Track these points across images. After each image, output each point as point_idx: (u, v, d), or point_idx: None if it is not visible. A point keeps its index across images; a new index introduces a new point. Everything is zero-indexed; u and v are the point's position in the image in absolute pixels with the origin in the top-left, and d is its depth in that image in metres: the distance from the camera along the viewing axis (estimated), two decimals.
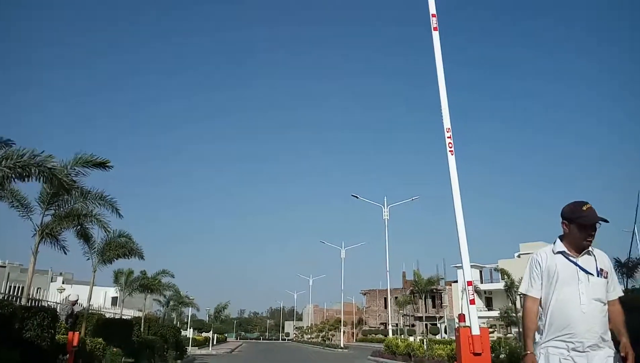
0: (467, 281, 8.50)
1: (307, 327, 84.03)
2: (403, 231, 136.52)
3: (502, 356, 13.61)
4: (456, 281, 57.48)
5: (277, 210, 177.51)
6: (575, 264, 3.29)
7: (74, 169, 9.30)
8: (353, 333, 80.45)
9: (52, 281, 49.37)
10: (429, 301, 64.50)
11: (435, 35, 9.83)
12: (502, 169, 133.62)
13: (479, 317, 9.05)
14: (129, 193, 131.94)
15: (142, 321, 19.35)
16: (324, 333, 62.23)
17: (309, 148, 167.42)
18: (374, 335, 67.65)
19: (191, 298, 36.53)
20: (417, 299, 51.63)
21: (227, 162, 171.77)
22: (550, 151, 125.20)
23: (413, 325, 62.12)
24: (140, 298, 23.65)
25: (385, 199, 33.40)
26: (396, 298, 58.01)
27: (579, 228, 3.28)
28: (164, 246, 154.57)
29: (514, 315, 40.61)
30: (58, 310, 12.02)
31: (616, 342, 3.25)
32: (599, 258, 3.34)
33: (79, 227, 12.29)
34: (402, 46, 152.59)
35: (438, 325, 58.61)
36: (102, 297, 37.46)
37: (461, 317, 9.32)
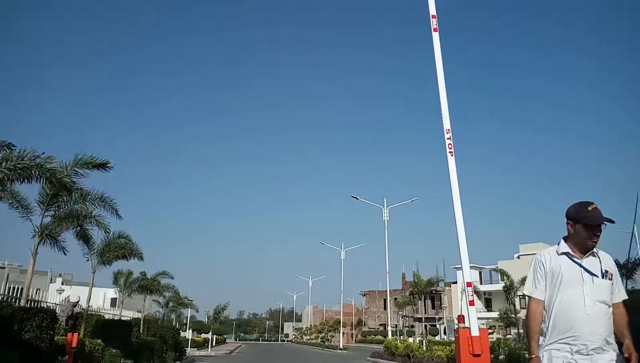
0: (467, 283, 8.50)
1: (307, 328, 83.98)
2: (403, 232, 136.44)
3: (501, 357, 13.62)
4: (456, 282, 57.48)
5: (276, 211, 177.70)
6: (580, 265, 3.24)
7: (74, 170, 9.29)
8: (352, 334, 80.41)
9: (51, 282, 49.34)
10: (429, 302, 64.47)
11: (436, 36, 9.83)
12: (502, 170, 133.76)
13: (479, 318, 9.06)
14: (128, 193, 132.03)
15: (141, 322, 19.34)
16: (323, 334, 62.18)
17: (309, 148, 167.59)
18: (373, 336, 67.62)
19: (190, 299, 36.57)
20: (416, 300, 51.57)
21: (227, 162, 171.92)
22: (550, 151, 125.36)
23: (412, 326, 62.08)
24: (140, 299, 23.64)
25: (385, 201, 33.44)
26: (395, 299, 57.98)
27: (584, 229, 3.23)
28: (164, 246, 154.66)
29: (513, 316, 40.57)
30: (58, 311, 12.03)
31: (619, 344, 3.20)
32: (603, 259, 3.29)
33: (78, 228, 12.29)
34: (402, 46, 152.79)
35: (437, 326, 58.61)
36: (101, 298, 37.42)
37: (460, 318, 9.34)
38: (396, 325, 56.18)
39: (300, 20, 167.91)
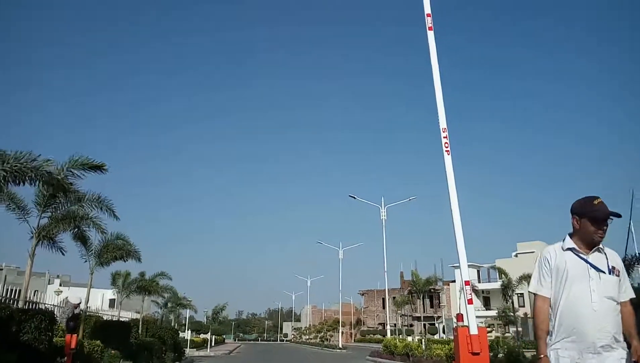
0: (465, 281, 8.52)
1: (306, 327, 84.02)
2: (401, 231, 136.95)
3: (500, 355, 13.64)
4: (454, 281, 57.54)
5: (275, 211, 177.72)
6: (586, 261, 3.15)
7: (70, 171, 9.27)
8: (351, 333, 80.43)
9: (49, 284, 49.22)
10: (427, 301, 64.57)
11: (431, 35, 9.85)
12: (500, 169, 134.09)
13: (477, 317, 9.08)
14: (128, 193, 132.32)
15: (140, 323, 19.33)
16: (322, 333, 62.21)
17: (308, 148, 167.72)
18: (372, 336, 67.66)
19: (189, 299, 36.54)
20: (415, 299, 51.67)
21: (227, 162, 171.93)
22: (550, 151, 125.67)
23: (411, 325, 62.16)
24: (138, 300, 23.61)
25: (382, 200, 33.45)
26: (394, 298, 58.04)
27: (590, 223, 3.14)
28: (163, 246, 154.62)
29: (511, 314, 40.68)
30: (56, 312, 12.00)
31: (627, 345, 3.10)
32: (610, 256, 3.20)
33: (76, 230, 12.27)
34: (402, 46, 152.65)
35: (436, 324, 58.66)
36: (99, 299, 37.40)
37: (459, 317, 9.35)
38: (395, 324, 56.26)
39: (300, 20, 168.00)
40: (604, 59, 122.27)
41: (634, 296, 3.27)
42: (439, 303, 64.70)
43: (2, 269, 46.85)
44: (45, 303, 13.83)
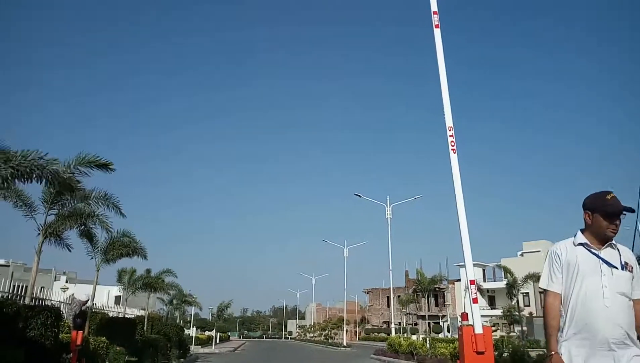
0: (470, 280, 8.51)
1: (310, 325, 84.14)
2: (406, 230, 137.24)
3: (505, 354, 13.61)
4: (459, 280, 57.43)
5: (279, 210, 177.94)
6: (598, 256, 3.09)
7: (77, 168, 9.32)
8: (356, 331, 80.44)
9: (55, 280, 49.55)
10: (432, 300, 64.47)
11: (437, 32, 9.83)
12: (503, 169, 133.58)
13: (482, 316, 9.05)
14: (130, 193, 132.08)
15: (146, 320, 19.41)
16: (326, 331, 62.27)
17: (309, 147, 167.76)
18: (376, 334, 67.63)
19: (194, 297, 36.60)
20: (419, 298, 51.45)
21: (228, 162, 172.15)
22: (551, 151, 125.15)
23: (416, 324, 62.10)
24: (144, 297, 23.70)
25: (387, 198, 33.46)
26: (399, 296, 57.95)
27: (603, 217, 3.09)
28: (166, 245, 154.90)
29: (516, 313, 40.53)
30: (62, 309, 12.07)
31: None
32: (623, 252, 3.15)
33: (82, 227, 12.33)
34: (402, 46, 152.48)
35: (441, 323, 58.55)
36: (105, 296, 37.50)
37: (464, 316, 9.34)
38: (399, 323, 56.20)
39: (300, 20, 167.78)
40: (604, 59, 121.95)
41: None
42: (444, 302, 64.61)
43: (9, 265, 47.20)
44: (51, 300, 13.91)
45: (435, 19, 9.89)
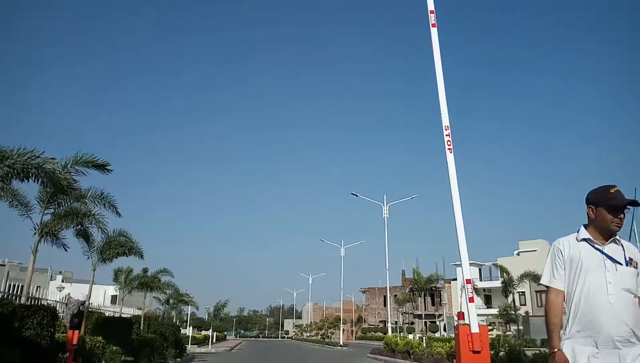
0: (466, 279, 8.53)
1: (307, 324, 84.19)
2: (403, 229, 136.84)
3: (501, 353, 13.64)
4: (455, 279, 57.57)
5: (276, 209, 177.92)
6: (602, 252, 3.02)
7: (74, 168, 9.31)
8: (352, 331, 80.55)
9: (51, 280, 49.38)
10: (428, 299, 64.57)
11: (434, 31, 9.84)
12: (500, 169, 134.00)
13: (478, 315, 9.08)
14: (128, 191, 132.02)
15: (142, 319, 19.37)
16: (323, 331, 62.37)
17: (307, 147, 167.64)
18: (373, 333, 67.73)
19: (190, 296, 36.58)
20: (416, 297, 51.62)
21: (225, 161, 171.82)
22: (548, 150, 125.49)
23: (412, 323, 62.20)
24: (140, 296, 23.66)
25: (384, 198, 33.47)
26: (395, 296, 58.05)
27: (607, 211, 3.02)
28: (163, 245, 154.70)
29: (513, 312, 40.65)
30: (58, 308, 12.04)
31: None
32: (627, 247, 3.08)
33: (79, 226, 12.30)
34: (402, 46, 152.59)
35: (437, 322, 58.67)
36: (101, 295, 37.50)
37: (460, 315, 9.38)
38: (396, 322, 56.26)
39: (300, 20, 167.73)
40: (604, 59, 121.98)
41: None
42: (440, 301, 64.74)
43: (4, 265, 47.01)
44: (47, 299, 13.88)
45: (432, 18, 9.91)
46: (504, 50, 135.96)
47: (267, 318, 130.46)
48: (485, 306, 56.98)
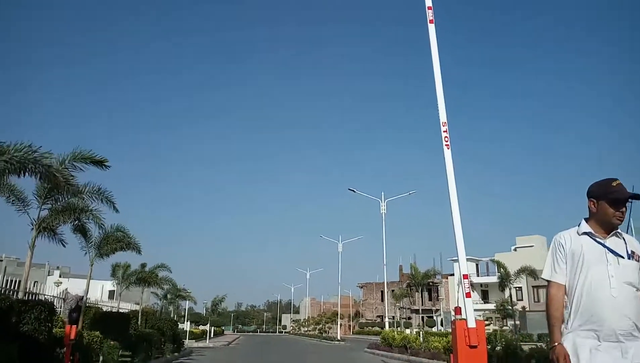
0: (463, 275, 8.55)
1: (304, 319, 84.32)
2: (400, 225, 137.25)
3: (498, 348, 13.68)
4: (453, 275, 57.76)
5: (274, 206, 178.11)
6: (603, 245, 2.99)
7: (72, 164, 9.29)
8: (350, 326, 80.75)
9: (49, 275, 49.30)
10: (426, 294, 64.73)
11: (431, 28, 9.82)
12: (498, 165, 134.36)
13: (475, 310, 9.12)
14: (127, 188, 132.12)
15: (140, 314, 19.39)
16: (321, 325, 62.49)
17: (307, 145, 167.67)
18: (370, 328, 67.95)
19: (188, 291, 36.61)
20: (413, 292, 51.74)
21: (226, 159, 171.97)
22: (546, 148, 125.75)
23: (409, 318, 62.37)
24: (138, 291, 23.68)
25: (382, 194, 33.50)
26: (393, 291, 58.19)
27: (609, 205, 2.99)
28: (161, 240, 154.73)
29: (509, 307, 40.81)
30: (56, 303, 12.05)
31: None
32: (629, 241, 3.05)
33: (76, 222, 12.29)
34: (402, 46, 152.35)
35: (434, 317, 58.90)
36: (99, 291, 37.51)
37: (457, 310, 9.41)
38: (393, 317, 56.45)
39: (300, 20, 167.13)
40: (604, 59, 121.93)
41: None
42: (438, 296, 64.93)
43: (2, 260, 46.91)
44: (45, 294, 13.88)
45: (429, 14, 9.89)
46: (504, 50, 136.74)
47: (265, 313, 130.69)
48: (482, 302, 57.16)
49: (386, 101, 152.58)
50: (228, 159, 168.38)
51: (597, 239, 3.03)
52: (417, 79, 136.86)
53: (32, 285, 13.57)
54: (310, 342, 46.40)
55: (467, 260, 9.14)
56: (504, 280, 37.65)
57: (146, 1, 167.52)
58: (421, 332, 23.72)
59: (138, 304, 23.99)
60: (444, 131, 9.02)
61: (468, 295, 8.39)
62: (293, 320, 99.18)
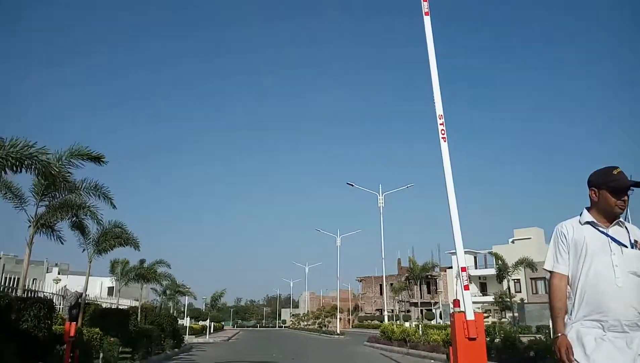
0: (461, 267, 8.57)
1: (304, 314, 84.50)
2: (398, 218, 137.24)
3: (496, 340, 13.75)
4: (451, 267, 57.92)
5: (272, 200, 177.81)
6: (606, 235, 2.95)
7: (69, 160, 9.28)
8: (349, 319, 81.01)
9: (47, 272, 49.40)
10: (424, 287, 64.94)
11: (427, 20, 9.79)
12: (495, 157, 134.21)
13: (474, 302, 9.14)
14: (123, 186, 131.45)
15: (139, 310, 19.43)
16: (320, 320, 62.61)
17: (305, 137, 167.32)
18: (369, 322, 68.15)
19: (187, 287, 36.67)
20: (412, 285, 51.92)
21: (221, 153, 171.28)
22: (543, 138, 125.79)
23: (408, 311, 62.60)
24: (137, 287, 23.71)
25: (380, 187, 33.54)
26: (391, 284, 58.40)
27: (610, 194, 2.95)
28: (160, 236, 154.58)
29: (508, 300, 41.01)
30: (55, 301, 12.05)
31: None
32: (631, 230, 3.01)
33: (74, 218, 12.28)
34: (400, 38, 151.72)
35: (433, 310, 59.08)
36: (98, 287, 37.52)
37: (456, 303, 9.39)
38: (392, 310, 56.65)
39: (297, 12, 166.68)
40: (605, 48, 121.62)
41: None
42: (436, 289, 65.11)
43: (0, 258, 46.93)
44: (44, 292, 13.88)
45: (424, 6, 9.85)
46: (502, 40, 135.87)
47: (264, 308, 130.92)
48: (481, 294, 57.41)
49: (383, 91, 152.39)
50: (221, 150, 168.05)
51: (600, 228, 3.00)
52: (415, 69, 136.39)
53: (30, 282, 13.54)
54: (310, 336, 46.55)
55: (465, 252, 9.16)
56: (502, 272, 37.82)
57: (146, 1, 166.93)
58: (420, 325, 23.84)
59: (137, 300, 24.04)
60: (440, 124, 9.01)
61: (466, 288, 8.42)
62: (292, 315, 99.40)
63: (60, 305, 13.08)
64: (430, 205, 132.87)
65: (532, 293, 51.99)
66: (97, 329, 11.93)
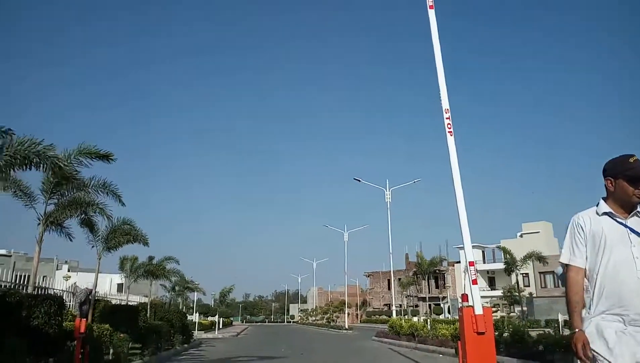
0: (469, 262, 8.55)
1: (312, 309, 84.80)
2: (406, 213, 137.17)
3: (505, 335, 13.70)
4: (459, 262, 57.79)
5: (280, 195, 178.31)
6: (625, 226, 2.84)
7: (78, 159, 9.33)
8: (357, 314, 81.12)
9: (57, 269, 49.79)
10: (432, 282, 64.90)
11: (431, 13, 9.73)
12: (503, 151, 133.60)
13: (482, 297, 9.12)
14: (131, 183, 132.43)
15: (148, 307, 19.55)
16: (328, 315, 62.85)
17: (312, 132, 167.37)
18: (378, 316, 68.19)
19: (196, 283, 36.87)
20: (420, 280, 51.95)
21: (229, 149, 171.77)
22: (552, 132, 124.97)
23: (417, 306, 62.60)
24: (146, 284, 23.84)
25: (387, 182, 33.51)
26: (399, 279, 58.40)
27: (627, 182, 2.82)
28: (169, 232, 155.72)
29: (517, 294, 40.87)
30: (66, 297, 12.14)
31: None
32: None
33: (83, 215, 12.35)
34: (407, 33, 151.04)
35: (441, 305, 59.06)
36: (107, 284, 37.77)
37: (464, 297, 9.39)
38: (400, 305, 56.66)
39: (300, 6, 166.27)
40: (610, 48, 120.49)
41: None
42: (444, 283, 65.04)
43: (11, 256, 47.37)
44: (54, 289, 13.99)
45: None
46: (510, 34, 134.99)
47: (273, 304, 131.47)
48: (489, 288, 57.31)
49: (391, 85, 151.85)
50: (228, 146, 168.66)
51: (618, 219, 2.89)
52: (422, 63, 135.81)
53: (41, 279, 13.67)
54: (319, 331, 46.66)
55: (473, 247, 9.13)
56: (510, 266, 37.69)
57: (146, 1, 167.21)
58: (428, 320, 23.79)
59: (147, 296, 24.17)
60: (446, 118, 8.97)
61: (474, 282, 8.39)
62: (301, 310, 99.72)
63: (70, 301, 13.17)
64: (437, 200, 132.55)
65: (541, 287, 51.81)
66: (107, 325, 12.01)
